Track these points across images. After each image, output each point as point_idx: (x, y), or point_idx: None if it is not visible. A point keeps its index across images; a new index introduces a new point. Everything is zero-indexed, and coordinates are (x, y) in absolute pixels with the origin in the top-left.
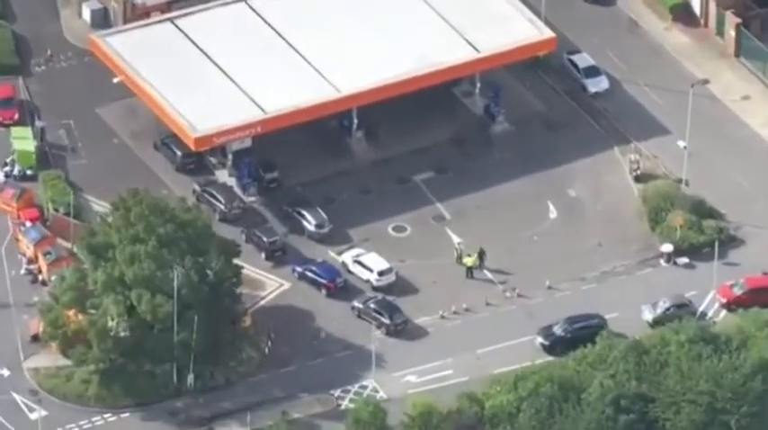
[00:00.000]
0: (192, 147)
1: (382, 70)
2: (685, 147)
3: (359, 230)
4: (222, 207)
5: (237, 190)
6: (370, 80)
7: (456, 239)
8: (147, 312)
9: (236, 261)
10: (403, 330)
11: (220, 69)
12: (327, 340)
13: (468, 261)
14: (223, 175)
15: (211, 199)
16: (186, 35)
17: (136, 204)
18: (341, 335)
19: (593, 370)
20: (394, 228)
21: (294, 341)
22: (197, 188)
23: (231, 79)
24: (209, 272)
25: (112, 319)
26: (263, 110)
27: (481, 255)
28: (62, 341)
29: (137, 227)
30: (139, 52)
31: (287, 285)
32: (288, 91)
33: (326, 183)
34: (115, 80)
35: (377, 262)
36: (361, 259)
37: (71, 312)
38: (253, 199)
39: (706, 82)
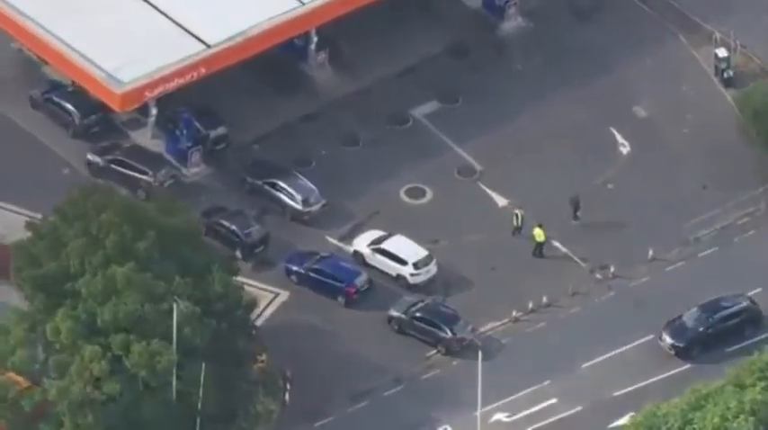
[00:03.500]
0: (118, 107)
1: None
2: None
3: (360, 201)
4: (149, 179)
5: (170, 158)
6: None
7: (501, 200)
8: (141, 366)
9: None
10: (469, 345)
11: None
12: (367, 372)
13: (538, 233)
14: (143, 138)
15: (127, 171)
16: None
17: (97, 209)
18: (382, 361)
19: None
20: (408, 193)
21: (319, 378)
22: (96, 159)
23: (151, 4)
24: (212, 298)
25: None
26: (205, 43)
27: (575, 205)
28: (15, 420)
29: (107, 242)
30: None
31: (284, 295)
32: (233, 13)
33: (291, 135)
34: None
35: (409, 248)
36: (385, 246)
37: (20, 378)
38: (197, 170)
39: None
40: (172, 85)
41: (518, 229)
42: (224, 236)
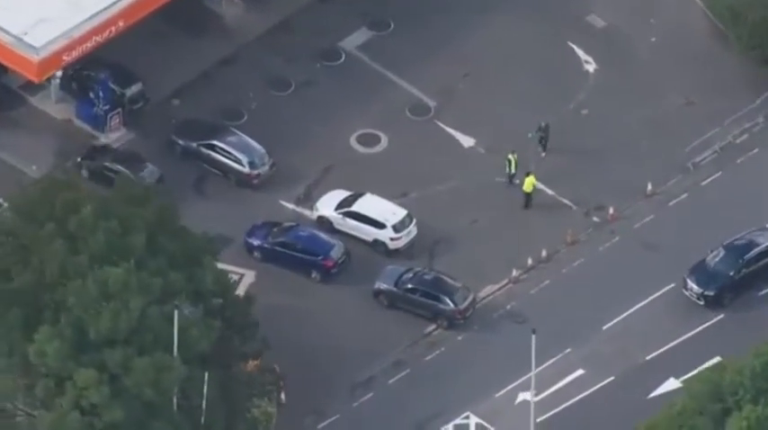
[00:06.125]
0: (35, 78)
1: None
2: None
3: (307, 156)
4: None
5: (81, 123)
6: None
7: (466, 140)
8: (146, 384)
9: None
10: (471, 316)
11: None
12: (363, 357)
13: (528, 182)
14: (46, 103)
15: None
16: None
17: (69, 206)
18: (376, 343)
19: None
20: (360, 140)
21: (311, 369)
22: None
23: None
24: (206, 295)
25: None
26: None
27: (543, 133)
28: None
29: (91, 243)
30: None
31: (250, 275)
32: None
33: (211, 85)
34: None
35: (384, 208)
36: (356, 208)
37: None
38: (117, 135)
39: None
40: (90, 45)
41: (512, 177)
42: (113, 181)
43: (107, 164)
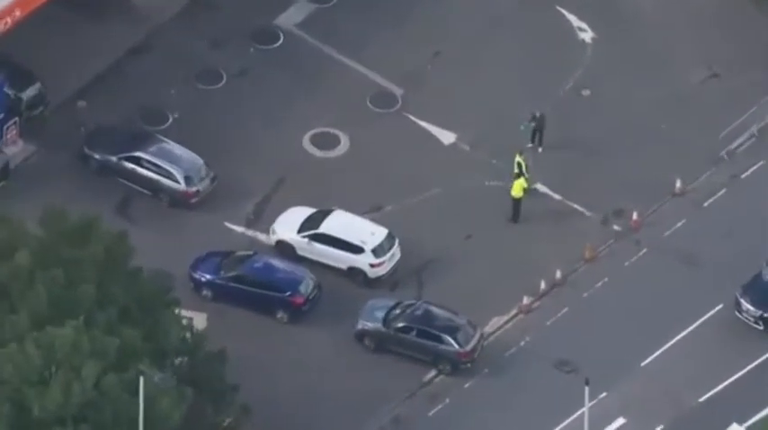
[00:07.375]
0: None
1: None
2: None
3: (253, 165)
4: None
5: None
6: None
7: (446, 136)
8: None
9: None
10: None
11: None
12: (352, 415)
13: (518, 185)
14: None
15: None
16: None
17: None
18: (366, 396)
19: None
20: (315, 142)
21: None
22: None
23: None
24: (169, 353)
25: None
26: None
27: (538, 124)
28: None
29: (31, 297)
30: None
31: (200, 318)
32: None
33: (123, 80)
34: None
35: (361, 228)
36: (325, 230)
37: None
38: (15, 150)
39: None
40: None
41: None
42: None
43: None
